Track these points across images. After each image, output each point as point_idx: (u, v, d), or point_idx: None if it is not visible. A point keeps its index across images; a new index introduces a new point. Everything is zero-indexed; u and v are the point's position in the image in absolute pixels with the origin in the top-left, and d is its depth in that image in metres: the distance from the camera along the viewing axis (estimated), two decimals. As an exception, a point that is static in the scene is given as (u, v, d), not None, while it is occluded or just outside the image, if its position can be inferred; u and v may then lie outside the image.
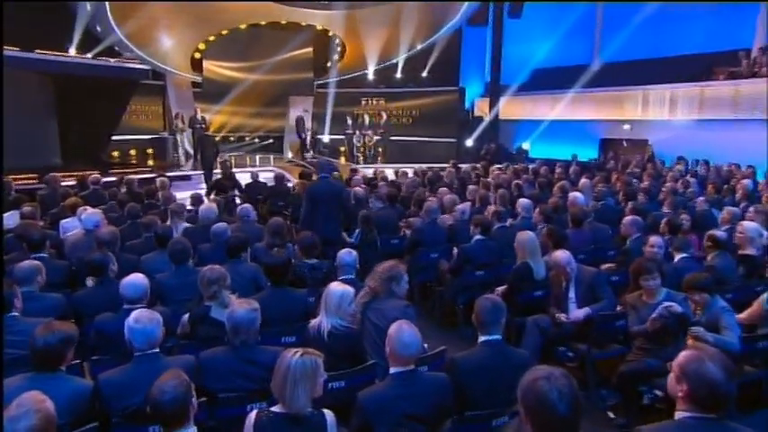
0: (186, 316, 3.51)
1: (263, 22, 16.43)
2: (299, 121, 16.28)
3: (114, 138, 14.99)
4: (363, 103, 19.07)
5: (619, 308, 4.20)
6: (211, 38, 16.44)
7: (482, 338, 2.89)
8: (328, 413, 2.37)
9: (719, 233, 5.04)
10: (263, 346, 2.95)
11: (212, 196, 8.45)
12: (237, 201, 8.47)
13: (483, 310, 2.88)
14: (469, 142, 18.07)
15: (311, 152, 16.52)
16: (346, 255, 4.08)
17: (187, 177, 12.93)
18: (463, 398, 2.74)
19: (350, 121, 17.50)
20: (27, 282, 3.62)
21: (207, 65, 16.98)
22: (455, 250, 5.58)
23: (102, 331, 3.31)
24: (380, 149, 17.24)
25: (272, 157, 16.77)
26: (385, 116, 18.13)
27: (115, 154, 15.27)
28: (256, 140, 18.65)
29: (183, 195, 8.17)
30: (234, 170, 10.06)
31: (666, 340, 3.56)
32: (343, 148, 17.74)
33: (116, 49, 13.84)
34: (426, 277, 5.97)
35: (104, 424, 2.54)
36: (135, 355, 2.74)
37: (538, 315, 4.38)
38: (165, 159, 15.26)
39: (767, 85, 12.43)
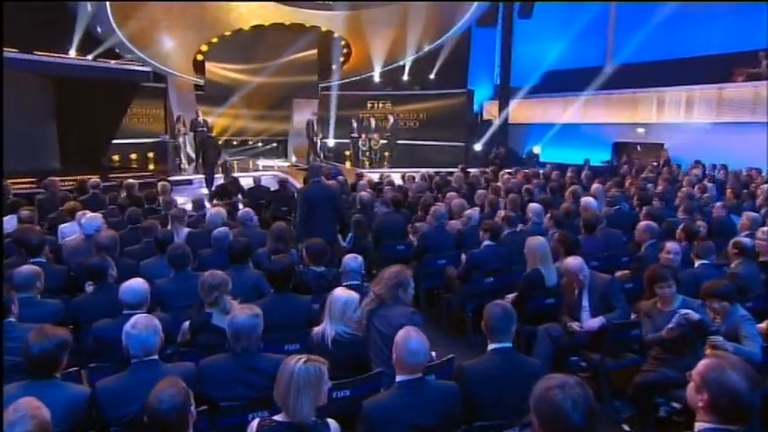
0: (186, 324, 3.45)
1: (267, 24, 16.30)
2: (310, 123, 16.13)
3: (114, 141, 14.81)
4: (369, 106, 18.94)
5: (633, 316, 4.10)
6: (214, 39, 16.27)
7: (492, 346, 2.83)
8: (332, 423, 2.32)
9: (745, 240, 4.90)
10: (265, 353, 2.89)
11: (215, 201, 8.40)
12: (240, 206, 8.42)
13: (493, 316, 2.82)
14: (478, 146, 17.85)
15: (321, 155, 16.39)
16: (351, 260, 4.03)
17: (188, 181, 12.85)
18: (472, 407, 2.68)
19: (355, 125, 17.36)
20: (27, 287, 3.59)
21: (209, 67, 16.78)
22: (463, 256, 5.50)
23: (101, 337, 3.28)
24: (386, 153, 17.14)
25: (275, 160, 16.65)
26: (392, 119, 17.97)
27: (115, 158, 15.10)
28: (260, 144, 18.53)
29: (184, 200, 8.14)
30: (236, 174, 9.98)
31: (684, 350, 3.46)
32: (348, 153, 17.67)
33: (117, 50, 13.74)
34: (433, 284, 5.88)
35: (101, 432, 2.49)
36: (132, 362, 2.69)
37: (549, 323, 4.28)
38: (167, 163, 15.06)
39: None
